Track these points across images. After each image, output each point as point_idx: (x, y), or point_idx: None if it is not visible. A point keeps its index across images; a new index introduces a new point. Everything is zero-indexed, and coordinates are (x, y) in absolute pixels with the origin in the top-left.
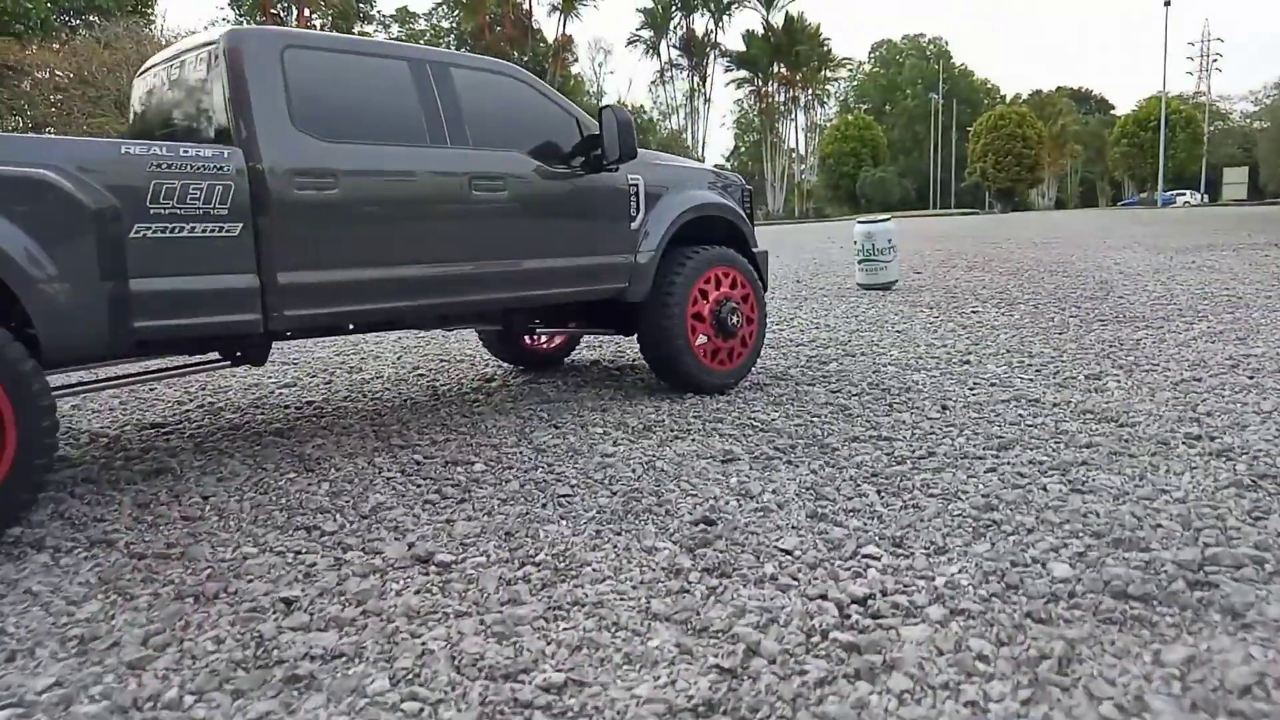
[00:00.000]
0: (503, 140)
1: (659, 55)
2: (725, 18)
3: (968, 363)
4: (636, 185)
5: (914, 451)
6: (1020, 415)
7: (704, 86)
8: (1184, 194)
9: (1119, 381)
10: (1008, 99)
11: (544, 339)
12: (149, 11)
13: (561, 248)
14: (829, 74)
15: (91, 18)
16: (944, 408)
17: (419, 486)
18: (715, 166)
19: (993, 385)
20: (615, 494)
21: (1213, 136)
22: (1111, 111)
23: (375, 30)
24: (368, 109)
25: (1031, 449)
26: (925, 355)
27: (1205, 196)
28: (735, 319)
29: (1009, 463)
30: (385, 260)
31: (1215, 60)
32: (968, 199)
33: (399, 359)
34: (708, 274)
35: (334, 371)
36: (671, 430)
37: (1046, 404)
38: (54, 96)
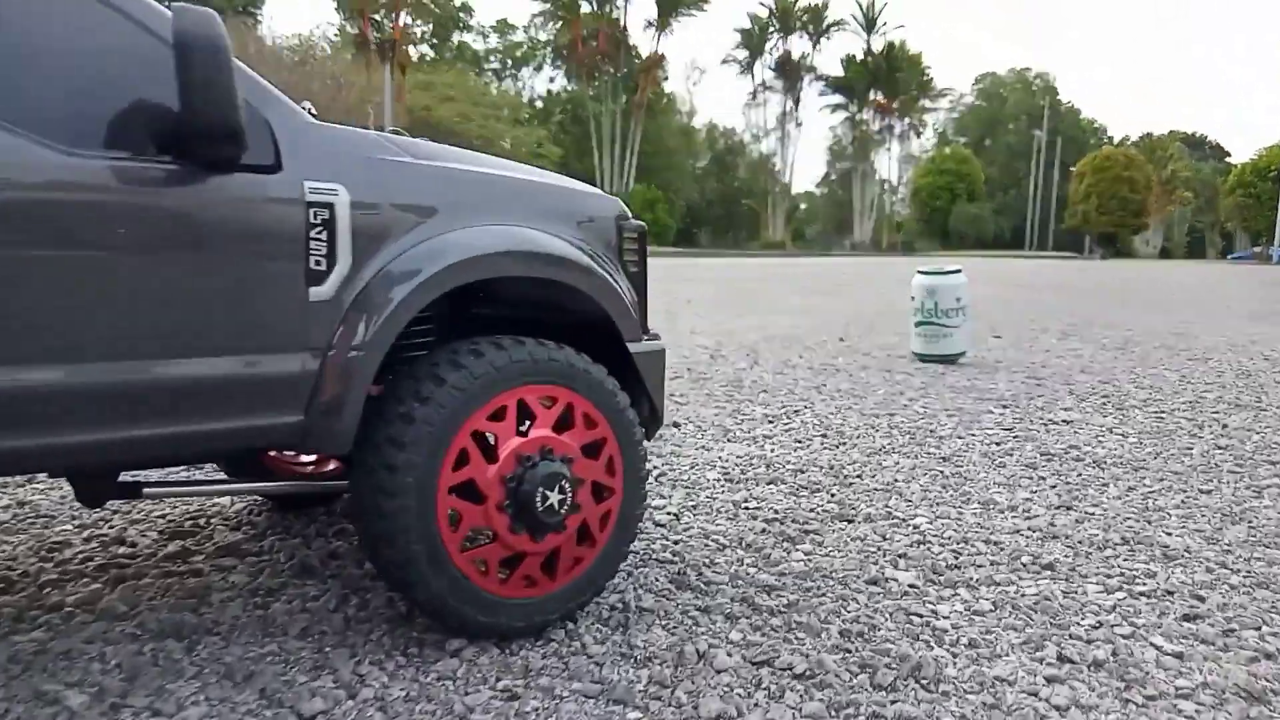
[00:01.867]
0: None
1: (753, 76)
2: (824, 40)
3: (1050, 567)
4: (329, 205)
5: None
6: None
7: (796, 110)
8: None
9: None
10: (1115, 140)
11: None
12: (256, 12)
13: (113, 340)
14: (928, 104)
15: None
16: None
17: None
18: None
19: (1098, 668)
20: None
21: None
22: (1227, 159)
23: (474, 39)
24: None
25: None
26: (975, 531)
27: None
28: (561, 497)
29: None
30: None
31: None
32: (1066, 241)
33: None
34: (498, 400)
35: None
36: None
37: None
38: None
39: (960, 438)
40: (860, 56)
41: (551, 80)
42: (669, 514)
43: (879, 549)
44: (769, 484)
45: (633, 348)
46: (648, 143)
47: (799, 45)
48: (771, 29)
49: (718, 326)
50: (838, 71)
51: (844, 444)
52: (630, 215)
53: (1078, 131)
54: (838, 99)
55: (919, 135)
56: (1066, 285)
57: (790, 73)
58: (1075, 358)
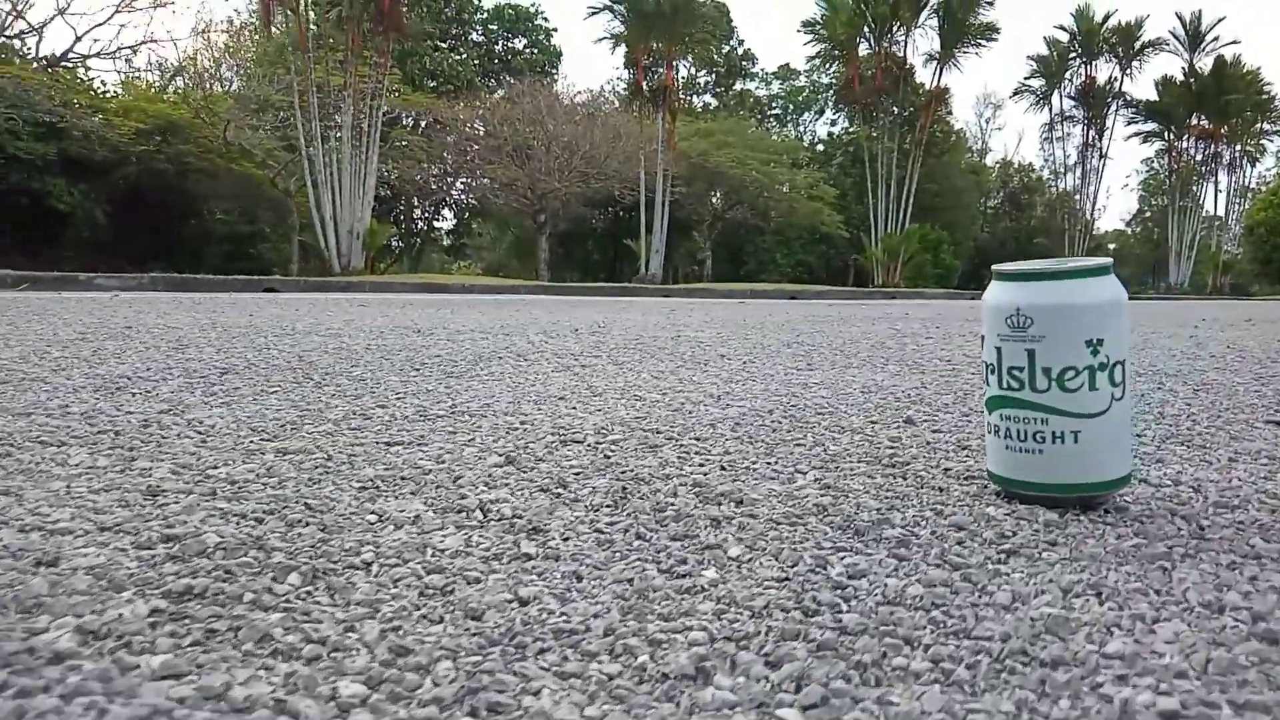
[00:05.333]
0: None
1: (1049, 107)
2: (1136, 64)
3: None
4: None
5: None
6: None
7: (1100, 141)
8: None
9: None
10: None
11: None
12: (554, 71)
13: None
14: (1267, 127)
15: (506, 76)
16: None
17: None
18: None
19: None
20: None
21: None
22: None
23: (756, 87)
24: None
25: None
26: None
27: None
28: None
29: None
30: None
31: None
32: None
33: None
34: None
35: None
36: None
37: None
38: (469, 146)
39: None
40: (1180, 77)
41: (833, 123)
42: None
43: None
44: None
45: None
46: (932, 181)
47: (1104, 69)
48: (1072, 54)
49: (743, 384)
50: (1150, 95)
51: None
52: None
53: None
54: (1150, 127)
55: (1254, 164)
56: None
57: (1094, 101)
58: None
